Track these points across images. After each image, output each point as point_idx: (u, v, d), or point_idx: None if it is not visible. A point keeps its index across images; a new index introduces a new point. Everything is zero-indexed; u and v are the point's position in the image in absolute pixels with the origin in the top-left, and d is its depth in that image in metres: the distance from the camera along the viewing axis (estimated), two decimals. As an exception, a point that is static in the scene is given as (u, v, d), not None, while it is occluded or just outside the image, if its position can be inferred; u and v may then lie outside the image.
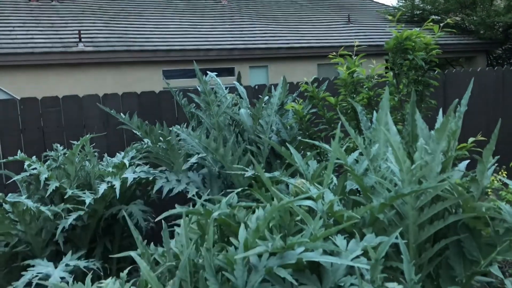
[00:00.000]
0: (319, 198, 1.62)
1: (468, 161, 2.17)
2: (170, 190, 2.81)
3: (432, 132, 1.72)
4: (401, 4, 15.00)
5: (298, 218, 1.67)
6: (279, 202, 1.54)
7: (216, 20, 11.76)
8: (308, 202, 1.56)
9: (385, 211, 1.60)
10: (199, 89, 3.33)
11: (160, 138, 3.01)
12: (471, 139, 2.66)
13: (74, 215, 2.68)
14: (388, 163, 1.70)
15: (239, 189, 1.88)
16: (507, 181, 1.76)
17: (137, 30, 10.19)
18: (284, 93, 3.30)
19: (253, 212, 1.74)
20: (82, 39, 8.96)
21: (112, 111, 3.29)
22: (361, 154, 2.13)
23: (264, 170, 2.93)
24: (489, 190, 2.47)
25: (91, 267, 2.55)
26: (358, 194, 2.04)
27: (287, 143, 3.17)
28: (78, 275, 2.66)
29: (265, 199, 1.74)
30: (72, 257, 2.61)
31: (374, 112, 2.45)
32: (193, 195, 2.76)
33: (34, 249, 2.78)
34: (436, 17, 13.88)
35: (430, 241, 1.74)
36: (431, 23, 2.91)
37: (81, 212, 2.72)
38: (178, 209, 1.61)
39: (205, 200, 2.86)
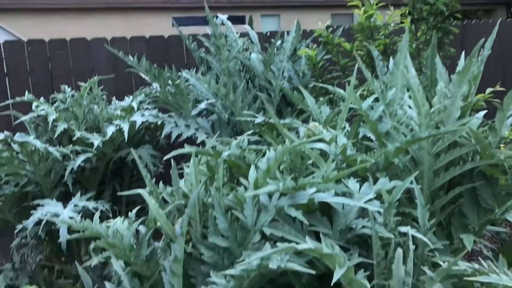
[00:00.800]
0: (332, 141, 1.58)
1: (485, 111, 2.10)
2: (179, 136, 2.77)
3: (453, 75, 1.64)
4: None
5: (310, 162, 1.63)
6: (291, 144, 1.50)
7: (227, -34, 11.39)
8: (321, 145, 1.51)
9: (399, 156, 1.56)
10: (209, 32, 3.23)
11: (169, 82, 2.95)
12: (489, 89, 2.57)
13: (82, 157, 2.66)
14: (405, 107, 1.63)
15: (249, 132, 1.83)
16: (528, 128, 1.70)
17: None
18: (297, 39, 3.19)
19: (263, 155, 1.71)
20: (90, -17, 8.75)
21: (120, 53, 3.21)
22: (376, 100, 2.06)
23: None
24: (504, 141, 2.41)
25: (100, 208, 2.56)
26: (371, 141, 1.99)
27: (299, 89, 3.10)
28: (87, 216, 2.67)
29: (276, 142, 1.69)
30: (81, 198, 2.62)
31: (391, 59, 2.37)
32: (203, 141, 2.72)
33: (43, 190, 2.78)
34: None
35: (444, 188, 1.70)
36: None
37: (90, 154, 2.71)
38: (187, 148, 1.57)
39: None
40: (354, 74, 2.02)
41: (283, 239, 1.20)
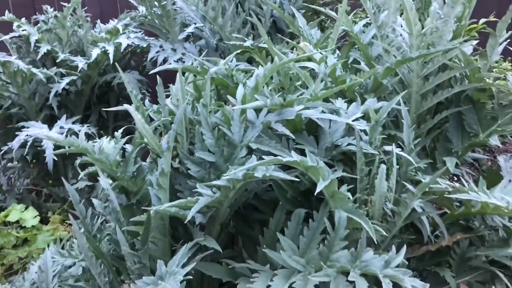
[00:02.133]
0: (322, 61, 1.55)
1: (478, 41, 2.08)
2: (165, 61, 2.71)
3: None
4: None
5: (299, 83, 1.61)
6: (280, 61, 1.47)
7: None
8: (311, 64, 1.49)
9: (388, 78, 1.55)
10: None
11: (155, 3, 2.84)
12: (482, 20, 2.53)
13: (67, 79, 2.61)
14: (398, 29, 1.60)
15: (238, 51, 1.80)
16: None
17: None
18: (289, -39, 3.07)
19: (252, 76, 1.68)
20: None
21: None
22: (367, 25, 2.02)
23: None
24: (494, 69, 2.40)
25: (86, 131, 2.54)
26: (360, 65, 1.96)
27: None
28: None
29: (265, 62, 1.67)
30: (67, 121, 2.60)
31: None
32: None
33: (28, 112, 2.75)
34: None
35: (431, 113, 1.71)
36: None
37: (74, 77, 2.66)
38: (173, 65, 1.54)
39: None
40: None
41: (269, 154, 1.20)
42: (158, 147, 1.32)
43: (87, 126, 2.62)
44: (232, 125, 1.30)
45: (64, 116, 2.55)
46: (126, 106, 1.37)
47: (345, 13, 1.86)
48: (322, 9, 2.09)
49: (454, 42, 1.50)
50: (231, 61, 1.68)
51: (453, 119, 1.71)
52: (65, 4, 2.96)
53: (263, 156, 1.15)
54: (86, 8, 3.32)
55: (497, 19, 2.55)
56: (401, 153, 1.32)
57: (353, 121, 1.32)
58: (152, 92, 3.17)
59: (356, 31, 1.85)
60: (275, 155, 1.18)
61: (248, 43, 2.50)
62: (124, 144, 1.58)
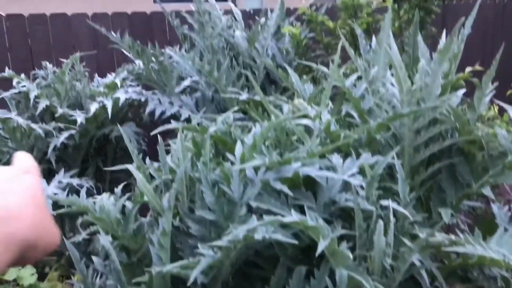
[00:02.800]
0: (317, 117, 1.61)
1: (464, 90, 2.15)
2: (163, 113, 2.77)
3: (434, 54, 1.68)
4: None
5: (295, 138, 1.66)
6: (276, 120, 1.52)
7: None
8: (306, 121, 1.54)
9: (381, 132, 1.60)
10: (193, 9, 3.21)
11: (153, 59, 2.93)
12: (468, 69, 2.63)
13: (65, 134, 2.65)
14: (388, 84, 1.67)
15: (235, 108, 1.85)
16: (506, 105, 1.75)
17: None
18: (281, 17, 3.19)
19: (249, 131, 1.73)
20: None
21: (102, 29, 3.17)
22: (359, 78, 2.09)
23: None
24: (484, 118, 2.47)
25: (84, 185, 2.56)
26: (354, 119, 2.02)
27: (284, 67, 3.12)
28: (72, 193, 2.68)
29: (261, 118, 1.72)
30: (65, 175, 2.62)
31: (373, 37, 2.40)
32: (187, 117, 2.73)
33: (26, 167, 2.77)
34: None
35: (424, 164, 1.75)
36: None
37: (73, 131, 2.70)
38: (173, 124, 1.59)
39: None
40: (338, 52, 2.04)
41: (269, 212, 1.23)
42: (159, 206, 1.35)
43: (85, 180, 2.63)
44: (232, 183, 1.33)
45: (62, 170, 2.57)
46: (127, 166, 1.40)
47: (336, 69, 1.93)
48: (314, 65, 2.17)
49: (443, 98, 1.56)
50: (228, 118, 1.73)
51: (446, 170, 1.75)
52: (64, 60, 3.04)
53: (264, 216, 1.17)
54: (84, 63, 3.41)
55: (482, 68, 2.66)
56: (398, 207, 1.35)
57: (349, 176, 1.36)
58: (148, 141, 3.22)
59: (347, 86, 1.92)
60: (275, 214, 1.20)
61: (244, 96, 2.59)
62: (124, 200, 1.60)
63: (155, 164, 1.57)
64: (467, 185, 1.72)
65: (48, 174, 2.85)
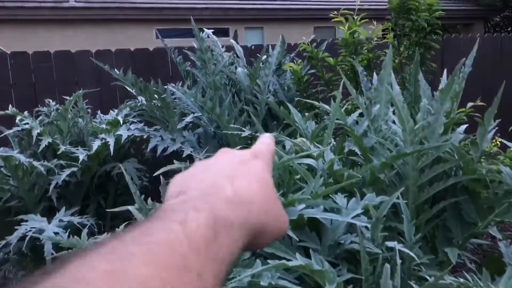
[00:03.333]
0: (320, 157, 1.60)
1: (466, 125, 2.16)
2: (165, 149, 2.77)
3: (435, 93, 1.69)
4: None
5: (297, 177, 1.65)
6: (279, 160, 1.52)
7: (211, -22, 11.46)
8: (309, 160, 1.54)
9: (385, 171, 1.59)
10: (195, 46, 3.25)
11: (155, 95, 2.95)
12: (470, 104, 2.64)
13: (67, 171, 2.65)
14: (390, 123, 1.67)
15: (238, 147, 1.84)
16: (508, 143, 1.75)
17: (130, -13, 9.91)
18: (282, 53, 3.23)
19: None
20: (73, -6, 8.71)
21: (106, 67, 3.20)
22: (360, 115, 2.10)
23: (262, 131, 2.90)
24: (487, 154, 2.47)
25: (85, 223, 2.54)
26: (356, 156, 2.02)
27: (285, 103, 3.13)
28: (72, 231, 2.65)
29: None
30: (66, 213, 2.60)
31: (374, 74, 2.42)
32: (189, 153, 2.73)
33: (27, 204, 2.75)
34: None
35: (429, 202, 1.73)
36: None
37: (75, 169, 2.69)
38: (176, 164, 1.58)
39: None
40: (340, 88, 2.06)
41: (273, 255, 1.21)
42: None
43: (86, 218, 2.61)
44: (235, 225, 1.31)
45: (63, 209, 2.55)
46: (129, 207, 1.39)
47: (338, 107, 1.94)
48: (315, 103, 2.18)
49: (446, 137, 1.56)
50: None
51: (451, 209, 1.73)
52: (66, 97, 3.06)
53: (268, 259, 1.15)
54: (87, 100, 3.44)
55: (483, 103, 2.67)
56: (404, 249, 1.33)
57: (354, 217, 1.35)
58: (150, 178, 3.21)
59: (349, 124, 1.92)
60: (279, 257, 1.18)
61: (247, 133, 2.59)
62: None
63: (158, 205, 1.56)
64: (473, 223, 1.70)
65: (49, 212, 2.83)
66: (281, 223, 0.44)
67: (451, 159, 1.61)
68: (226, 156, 0.46)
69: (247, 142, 2.97)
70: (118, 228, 3.39)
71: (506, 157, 2.49)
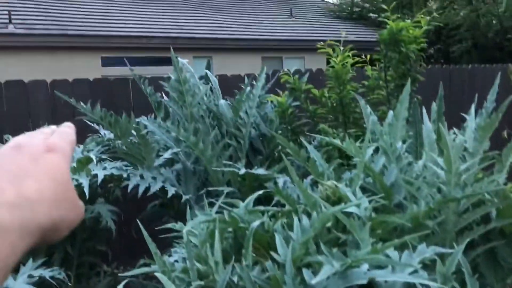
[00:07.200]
0: (356, 203, 1.44)
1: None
2: (147, 190, 2.51)
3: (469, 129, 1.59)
4: (341, 1, 15.22)
5: (329, 224, 1.48)
6: (317, 206, 1.35)
7: (158, 6, 11.27)
8: (354, 209, 1.37)
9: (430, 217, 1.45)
10: (171, 76, 3.03)
11: (133, 131, 2.69)
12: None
13: (34, 218, 2.31)
14: (428, 163, 1.54)
15: (261, 191, 1.65)
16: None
17: (74, 14, 9.49)
18: (265, 85, 3.09)
19: (271, 217, 1.54)
20: (12, 21, 8.18)
21: (71, 100, 2.91)
22: (376, 150, 1.98)
23: (245, 166, 2.72)
24: None
25: (57, 277, 2.21)
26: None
27: (269, 136, 2.98)
28: (35, 283, 2.32)
29: (289, 203, 1.53)
30: (32, 265, 2.26)
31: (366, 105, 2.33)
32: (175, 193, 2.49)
33: (-17, 257, 2.38)
34: (374, 15, 14.21)
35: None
36: (421, 15, 2.82)
37: (42, 214, 2.36)
38: (203, 217, 1.36)
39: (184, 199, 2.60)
40: (369, 124, 1.93)
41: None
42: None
43: (56, 270, 2.28)
44: (286, 291, 1.12)
45: (30, 261, 2.21)
46: (158, 275, 1.15)
47: (354, 143, 1.81)
48: (327, 138, 2.03)
49: (490, 179, 1.45)
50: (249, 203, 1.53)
51: (484, 253, 1.62)
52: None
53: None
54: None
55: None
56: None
57: (411, 274, 1.19)
58: (125, 219, 2.92)
59: (367, 162, 1.79)
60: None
61: (243, 171, 2.39)
62: None
63: (178, 265, 1.33)
64: (509, 268, 1.59)
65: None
66: (76, 214, 0.45)
67: (492, 201, 1.50)
68: (15, 152, 0.44)
69: (229, 179, 2.77)
70: (84, 277, 3.05)
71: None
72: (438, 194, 1.45)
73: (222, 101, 2.93)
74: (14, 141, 0.46)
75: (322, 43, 2.95)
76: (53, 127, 0.52)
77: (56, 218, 0.41)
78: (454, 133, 1.76)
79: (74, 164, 2.61)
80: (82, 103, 2.91)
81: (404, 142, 1.86)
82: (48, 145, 0.46)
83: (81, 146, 3.03)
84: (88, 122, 3.23)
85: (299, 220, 1.27)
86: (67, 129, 0.51)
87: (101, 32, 9.02)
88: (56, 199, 0.42)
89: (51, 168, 0.43)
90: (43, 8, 9.28)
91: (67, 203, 0.43)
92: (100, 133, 3.33)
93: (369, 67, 3.08)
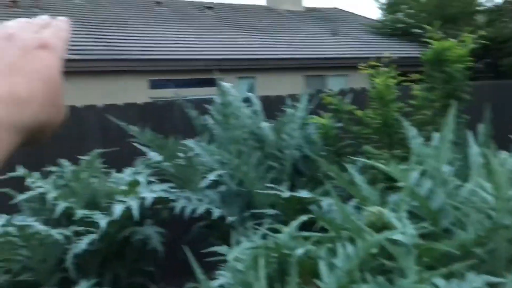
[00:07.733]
0: (402, 231, 1.43)
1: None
2: (194, 211, 2.57)
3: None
4: (384, 18, 15.08)
5: (374, 250, 1.47)
6: (361, 233, 1.34)
7: (203, 29, 11.55)
8: (399, 237, 1.36)
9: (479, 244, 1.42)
10: (216, 100, 3.11)
11: (180, 154, 2.77)
12: None
13: (86, 239, 2.41)
14: (478, 189, 1.51)
15: (305, 217, 1.66)
16: None
17: (123, 39, 9.88)
18: (308, 106, 3.11)
19: (315, 242, 1.54)
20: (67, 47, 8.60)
21: (123, 124, 3.03)
22: (422, 173, 1.95)
23: (289, 188, 2.73)
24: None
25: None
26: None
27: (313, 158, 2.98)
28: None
29: (333, 228, 1.53)
30: (84, 285, 2.35)
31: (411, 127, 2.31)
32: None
33: (39, 276, 2.49)
34: (419, 30, 13.99)
35: None
36: (466, 34, 2.77)
37: (94, 236, 2.46)
38: (248, 243, 1.38)
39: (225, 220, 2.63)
40: (419, 145, 1.91)
41: None
42: None
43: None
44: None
45: (84, 284, 2.30)
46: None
47: (398, 168, 1.79)
48: (374, 163, 2.02)
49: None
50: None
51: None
52: (82, 157, 2.87)
53: None
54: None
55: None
56: None
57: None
58: (172, 239, 2.98)
59: (411, 184, 1.76)
60: None
61: (287, 194, 2.41)
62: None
63: None
64: None
65: (61, 283, 2.57)
66: (60, 118, 0.43)
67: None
68: (5, 42, 0.42)
69: (273, 200, 2.79)
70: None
71: None
72: (487, 220, 1.41)
73: (264, 124, 2.97)
74: (4, 29, 0.44)
75: (363, 63, 2.94)
76: (46, 17, 0.49)
77: (42, 121, 0.41)
78: (504, 156, 1.72)
79: (125, 187, 2.71)
80: (131, 126, 3.02)
81: (450, 164, 1.83)
82: (40, 41, 0.44)
83: (131, 169, 3.13)
84: (136, 145, 3.33)
85: (343, 246, 1.27)
86: (61, 24, 0.49)
87: (148, 56, 9.32)
88: (44, 103, 0.41)
89: (43, 67, 0.42)
90: (94, 35, 9.71)
91: (54, 107, 0.42)
92: (147, 156, 3.42)
93: (416, 86, 3.04)
